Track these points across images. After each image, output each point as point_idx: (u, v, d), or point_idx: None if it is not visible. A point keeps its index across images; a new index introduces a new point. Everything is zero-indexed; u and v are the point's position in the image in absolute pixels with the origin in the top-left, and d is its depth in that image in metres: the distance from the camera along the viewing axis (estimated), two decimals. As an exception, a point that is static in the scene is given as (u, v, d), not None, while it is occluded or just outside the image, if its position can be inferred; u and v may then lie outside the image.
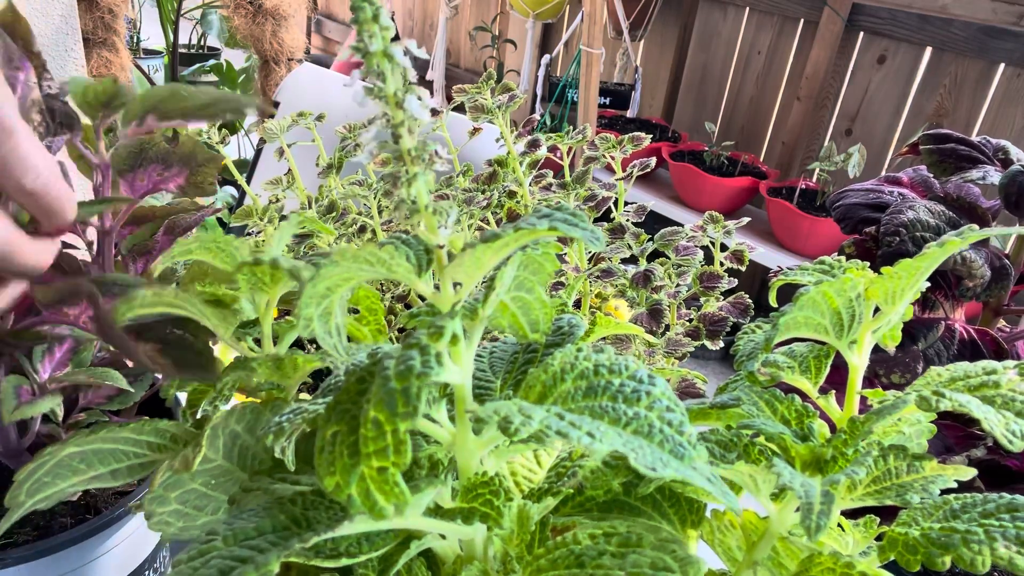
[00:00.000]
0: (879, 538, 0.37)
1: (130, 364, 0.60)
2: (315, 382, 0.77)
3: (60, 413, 0.53)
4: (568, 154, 0.82)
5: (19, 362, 0.49)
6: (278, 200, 0.87)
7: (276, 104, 1.41)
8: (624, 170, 0.78)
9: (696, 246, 0.76)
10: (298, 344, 0.81)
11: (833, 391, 0.39)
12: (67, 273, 0.51)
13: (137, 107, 0.47)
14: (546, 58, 2.73)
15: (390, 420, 0.25)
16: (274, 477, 0.34)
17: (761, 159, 2.63)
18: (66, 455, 0.40)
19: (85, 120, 0.48)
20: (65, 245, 0.58)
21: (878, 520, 0.38)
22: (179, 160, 0.53)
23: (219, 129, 0.80)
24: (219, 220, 1.66)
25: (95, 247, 0.53)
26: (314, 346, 0.79)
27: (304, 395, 0.60)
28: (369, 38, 0.24)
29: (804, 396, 0.39)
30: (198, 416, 0.48)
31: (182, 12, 2.30)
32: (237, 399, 0.52)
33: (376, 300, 0.48)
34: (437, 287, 0.30)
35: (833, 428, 0.37)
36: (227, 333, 0.43)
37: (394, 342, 0.78)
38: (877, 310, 0.37)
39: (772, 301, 0.43)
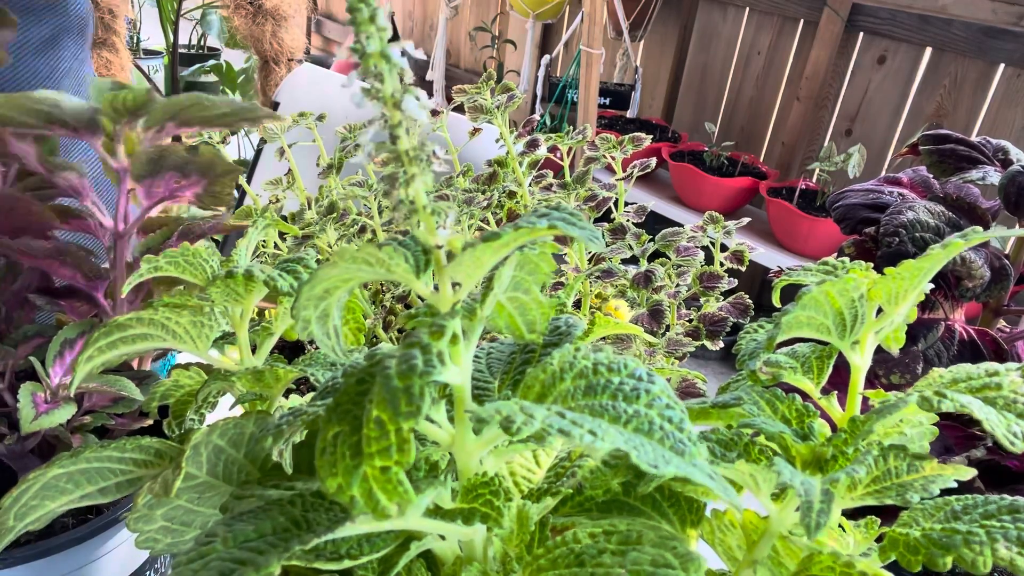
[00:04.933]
0: (880, 539, 0.37)
1: (135, 367, 0.60)
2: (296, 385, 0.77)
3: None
4: (568, 154, 0.82)
5: (32, 366, 0.49)
6: (278, 200, 0.87)
7: (276, 104, 1.41)
8: (624, 170, 0.78)
9: (696, 246, 0.75)
10: (279, 348, 0.81)
11: (835, 392, 0.39)
12: (86, 275, 0.51)
13: (160, 114, 0.47)
14: (546, 58, 2.73)
15: (393, 419, 0.25)
16: (265, 486, 0.34)
17: (761, 159, 2.63)
18: (52, 477, 0.40)
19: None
20: (83, 248, 0.58)
21: (879, 521, 0.38)
22: (197, 169, 0.53)
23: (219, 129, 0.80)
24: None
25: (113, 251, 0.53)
26: (314, 346, 0.79)
27: (295, 396, 0.60)
28: (366, 39, 0.24)
29: (806, 396, 0.39)
30: (184, 426, 0.48)
31: (182, 12, 2.30)
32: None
33: (353, 299, 0.48)
34: (437, 288, 0.30)
35: (835, 428, 0.37)
36: (204, 349, 0.43)
37: (395, 342, 0.78)
38: (880, 311, 0.37)
39: (775, 301, 0.43)
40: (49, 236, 0.52)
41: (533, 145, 0.80)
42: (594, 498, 0.37)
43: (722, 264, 0.76)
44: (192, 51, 3.51)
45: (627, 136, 0.78)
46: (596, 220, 0.78)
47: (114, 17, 1.50)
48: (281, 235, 0.88)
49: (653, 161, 0.78)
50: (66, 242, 0.52)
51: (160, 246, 0.53)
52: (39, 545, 0.47)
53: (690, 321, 0.74)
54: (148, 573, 0.57)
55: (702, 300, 0.75)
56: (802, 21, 2.47)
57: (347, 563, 0.30)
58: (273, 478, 0.36)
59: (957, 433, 0.60)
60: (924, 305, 0.66)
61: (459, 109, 0.95)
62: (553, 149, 0.81)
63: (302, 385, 0.76)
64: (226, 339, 0.45)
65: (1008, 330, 0.70)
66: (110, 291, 0.54)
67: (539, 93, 2.77)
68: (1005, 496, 0.34)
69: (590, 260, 0.76)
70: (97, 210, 0.52)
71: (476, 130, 0.91)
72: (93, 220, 0.52)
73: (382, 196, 0.82)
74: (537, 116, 0.89)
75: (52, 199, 0.54)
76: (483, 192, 0.81)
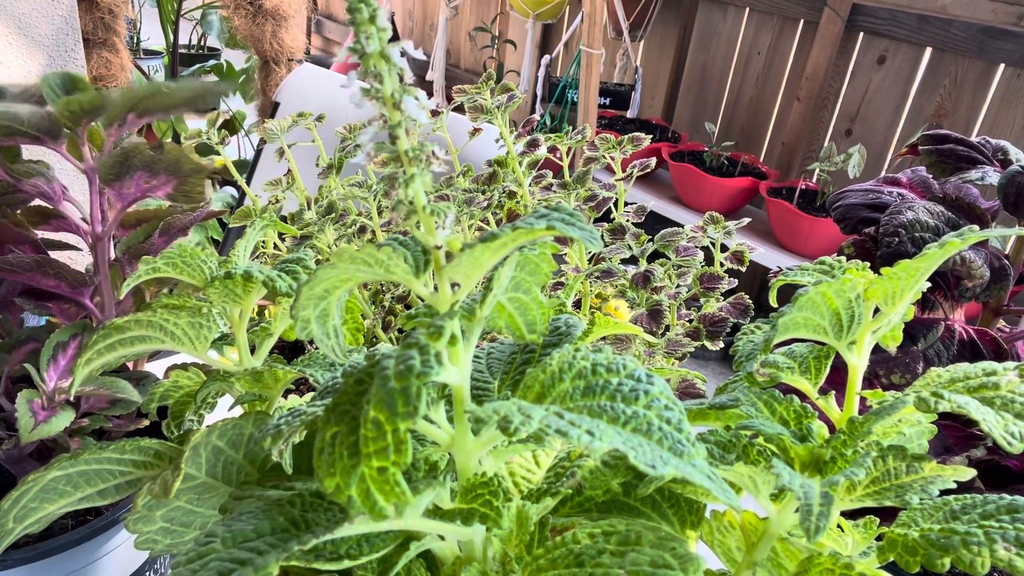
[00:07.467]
0: (879, 539, 0.37)
1: (131, 368, 0.60)
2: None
3: (66, 420, 0.53)
4: (568, 154, 0.82)
5: (27, 371, 0.49)
6: (278, 201, 0.86)
7: (276, 104, 1.41)
8: (624, 170, 0.78)
9: (696, 247, 0.75)
10: (278, 348, 0.81)
11: (833, 392, 0.39)
12: (69, 283, 0.51)
13: (118, 108, 0.47)
14: (546, 58, 2.73)
15: (390, 420, 0.25)
16: (264, 487, 0.34)
17: (761, 159, 2.63)
18: (51, 479, 0.40)
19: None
20: (65, 246, 0.58)
21: (878, 521, 0.38)
22: (165, 168, 0.53)
23: (218, 130, 0.80)
24: (219, 221, 1.66)
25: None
26: (313, 346, 0.79)
27: (294, 396, 0.60)
28: (366, 39, 0.24)
29: (803, 397, 0.39)
30: (183, 427, 0.48)
31: (182, 12, 2.30)
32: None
33: (352, 299, 0.48)
34: (436, 288, 0.30)
35: (832, 429, 0.37)
36: (203, 349, 0.43)
37: (395, 343, 0.78)
38: (877, 311, 0.37)
39: (772, 301, 0.43)
40: (31, 242, 0.52)
41: (533, 145, 0.80)
42: (593, 498, 0.37)
43: (722, 264, 0.76)
44: (192, 51, 3.51)
45: (627, 136, 0.78)
46: (596, 220, 0.78)
47: (114, 17, 1.50)
48: (281, 236, 0.89)
49: (653, 161, 0.78)
50: (46, 254, 0.52)
51: (143, 243, 0.53)
52: (39, 547, 0.47)
53: (690, 321, 0.74)
54: (148, 574, 0.57)
55: (702, 300, 0.75)
56: (802, 21, 2.47)
57: (346, 563, 0.30)
58: (272, 478, 0.36)
59: (957, 432, 0.60)
60: (924, 305, 0.66)
61: (459, 109, 0.95)
62: (553, 149, 0.81)
63: (301, 385, 0.76)
64: (225, 340, 0.45)
65: (1008, 330, 0.70)
66: (97, 292, 0.54)
67: (539, 93, 2.77)
68: (1004, 496, 0.34)
69: (590, 260, 0.76)
70: (73, 211, 0.52)
71: (476, 130, 0.91)
72: (70, 221, 0.52)
73: (382, 196, 0.82)
74: (537, 116, 0.89)
75: (24, 204, 0.54)
76: (483, 192, 0.81)
